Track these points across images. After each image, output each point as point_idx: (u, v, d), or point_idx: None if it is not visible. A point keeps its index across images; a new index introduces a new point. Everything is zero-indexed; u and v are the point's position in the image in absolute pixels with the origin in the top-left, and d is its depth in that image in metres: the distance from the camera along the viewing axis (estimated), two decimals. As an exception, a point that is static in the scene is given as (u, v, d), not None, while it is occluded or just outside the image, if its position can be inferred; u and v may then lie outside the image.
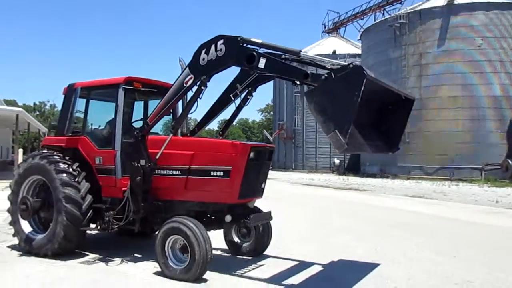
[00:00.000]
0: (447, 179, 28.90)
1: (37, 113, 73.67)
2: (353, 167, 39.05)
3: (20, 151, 21.06)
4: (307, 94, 4.80)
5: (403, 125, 6.04)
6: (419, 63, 32.08)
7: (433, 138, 30.80)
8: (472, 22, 30.44)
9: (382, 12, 43.42)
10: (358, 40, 43.68)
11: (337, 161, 41.91)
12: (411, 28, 32.56)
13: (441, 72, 30.97)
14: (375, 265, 6.66)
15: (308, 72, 4.89)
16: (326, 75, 4.67)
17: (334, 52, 44.94)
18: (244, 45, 5.41)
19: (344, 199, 17.83)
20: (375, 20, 41.33)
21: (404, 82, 32.35)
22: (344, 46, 47.32)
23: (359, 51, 42.90)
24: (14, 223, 7.19)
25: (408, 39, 32.60)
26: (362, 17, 47.03)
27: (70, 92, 7.47)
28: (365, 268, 6.46)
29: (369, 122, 5.79)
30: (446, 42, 30.96)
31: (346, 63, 4.85)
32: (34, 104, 77.62)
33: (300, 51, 5.36)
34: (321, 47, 47.59)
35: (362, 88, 4.28)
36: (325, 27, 52.77)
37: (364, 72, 4.31)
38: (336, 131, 4.39)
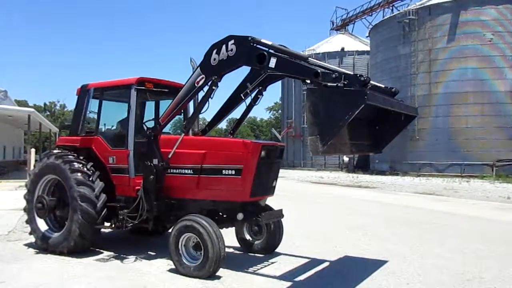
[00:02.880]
0: (457, 175, 28.66)
1: (47, 113, 74.38)
2: (362, 165, 38.86)
3: (33, 150, 21.33)
4: (308, 91, 4.83)
5: (397, 132, 6.10)
6: (429, 59, 31.82)
7: (443, 134, 30.55)
8: (482, 16, 30.08)
9: (390, 8, 43.09)
10: (367, 37, 43.41)
11: (346, 159, 41.70)
12: (420, 24, 32.26)
13: (451, 68, 30.68)
14: (387, 262, 6.70)
15: (319, 71, 4.93)
16: (336, 84, 4.67)
17: (343, 49, 44.79)
18: (255, 45, 5.46)
19: (353, 197, 17.83)
20: (383, 17, 41.00)
21: (413, 79, 32.16)
22: (353, 43, 47.07)
23: (367, 48, 42.65)
24: (30, 221, 7.35)
25: (417, 35, 32.31)
26: (370, 14, 46.69)
27: (84, 93, 7.60)
28: (376, 265, 6.50)
29: (366, 117, 5.83)
30: (456, 37, 30.64)
31: (357, 74, 4.87)
32: (45, 104, 78.37)
33: (308, 57, 5.41)
34: (330, 45, 47.42)
35: (357, 111, 4.34)
36: (333, 24, 52.50)
37: (366, 97, 4.35)
38: (318, 137, 4.48)
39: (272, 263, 6.61)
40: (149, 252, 7.08)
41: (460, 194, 18.66)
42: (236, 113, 7.42)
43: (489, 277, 5.99)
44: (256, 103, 6.98)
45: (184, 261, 5.82)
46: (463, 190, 20.23)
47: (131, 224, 6.66)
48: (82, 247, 6.82)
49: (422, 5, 32.99)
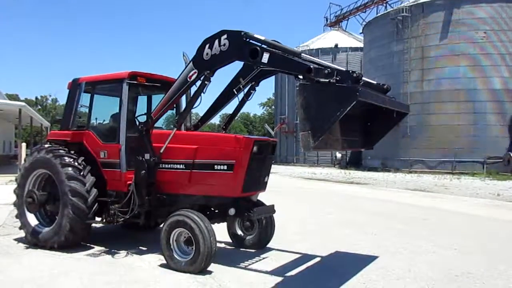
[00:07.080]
0: (449, 172, 28.92)
1: (39, 107, 73.70)
2: (354, 161, 39.07)
3: (24, 145, 21.15)
4: (300, 87, 4.83)
5: (389, 128, 6.12)
6: (422, 56, 31.98)
7: (434, 131, 30.78)
8: (475, 14, 30.27)
9: (384, 5, 43.18)
10: (360, 33, 43.52)
11: (338, 155, 41.92)
12: (413, 21, 32.40)
13: (444, 66, 30.87)
14: (377, 258, 6.75)
15: (311, 66, 4.92)
16: (328, 80, 4.66)
17: (336, 46, 44.85)
18: (248, 40, 5.45)
19: (345, 193, 17.90)
20: (377, 14, 41.11)
21: (406, 76, 32.32)
22: (346, 40, 47.16)
23: (361, 45, 42.76)
24: (21, 216, 7.30)
25: (411, 33, 32.46)
26: (364, 10, 46.78)
27: (75, 87, 7.54)
28: (367, 261, 6.54)
29: (358, 114, 5.84)
30: (448, 35, 30.82)
31: (349, 70, 4.86)
32: (36, 98, 77.60)
33: (301, 52, 5.40)
34: (323, 41, 47.47)
35: (349, 107, 4.35)
36: (327, 21, 52.53)
37: (357, 93, 4.35)
38: (310, 132, 4.48)
39: (264, 258, 6.63)
40: (140, 247, 7.06)
41: (451, 191, 18.82)
42: (229, 108, 7.42)
43: (477, 273, 6.05)
44: (249, 98, 6.98)
45: (176, 256, 5.81)
46: (454, 187, 20.40)
47: (122, 219, 6.64)
48: (72, 242, 6.78)
49: (415, 3, 33.07)
